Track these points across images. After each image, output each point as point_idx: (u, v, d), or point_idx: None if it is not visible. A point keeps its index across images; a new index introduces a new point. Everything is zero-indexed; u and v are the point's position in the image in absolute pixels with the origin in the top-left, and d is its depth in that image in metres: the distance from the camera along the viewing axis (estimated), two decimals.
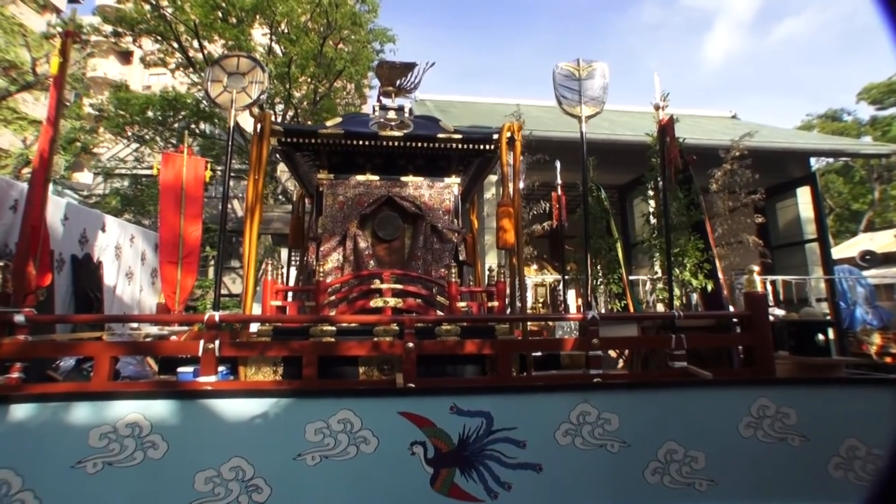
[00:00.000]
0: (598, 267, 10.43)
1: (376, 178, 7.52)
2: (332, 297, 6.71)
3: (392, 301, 6.66)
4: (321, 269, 6.65)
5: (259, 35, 20.48)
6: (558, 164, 11.44)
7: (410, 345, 5.43)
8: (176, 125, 20.07)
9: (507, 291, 7.09)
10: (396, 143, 7.05)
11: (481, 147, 7.23)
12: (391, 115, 7.39)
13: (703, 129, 16.15)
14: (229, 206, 25.21)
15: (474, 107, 17.99)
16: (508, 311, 7.33)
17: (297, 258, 9.57)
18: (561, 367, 7.03)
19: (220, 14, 18.27)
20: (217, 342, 5.21)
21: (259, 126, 6.70)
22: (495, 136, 7.16)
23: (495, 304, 6.83)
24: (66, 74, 5.82)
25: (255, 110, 6.70)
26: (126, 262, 8.83)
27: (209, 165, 11.08)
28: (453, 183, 7.68)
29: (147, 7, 18.65)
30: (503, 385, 5.26)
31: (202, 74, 18.33)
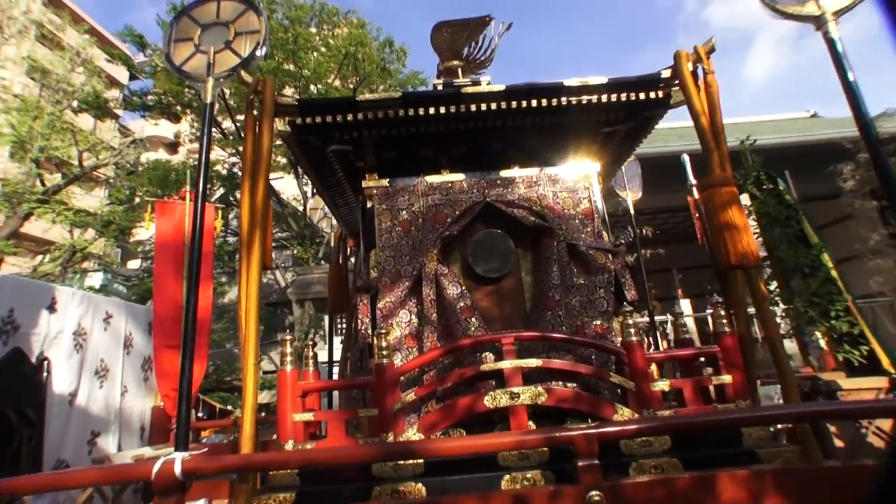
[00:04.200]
0: (793, 293, 6.82)
1: (460, 176, 4.43)
2: (410, 394, 3.49)
3: (525, 393, 3.39)
4: (382, 342, 3.48)
5: (288, 94, 18.89)
6: (686, 158, 8.24)
7: (596, 497, 2.17)
8: (213, 199, 18.34)
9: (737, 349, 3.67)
10: (494, 107, 3.98)
11: (639, 97, 4.05)
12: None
13: (791, 129, 12.65)
14: (270, 275, 23.06)
15: None
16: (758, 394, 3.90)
17: (344, 325, 6.47)
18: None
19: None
20: None
21: (255, 98, 3.79)
22: (664, 74, 4.00)
23: (726, 378, 3.43)
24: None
25: (248, 76, 3.88)
26: (94, 353, 5.95)
27: (220, 213, 8.39)
28: (591, 171, 4.49)
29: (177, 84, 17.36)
30: None
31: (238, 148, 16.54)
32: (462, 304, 3.90)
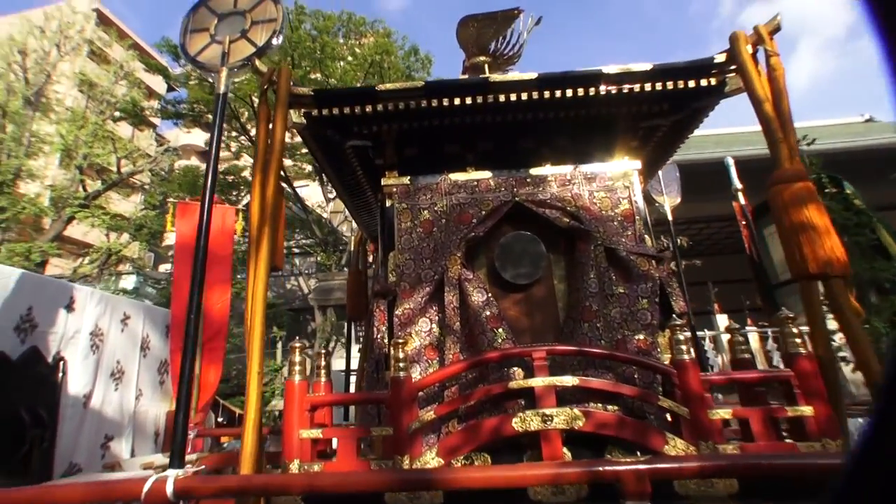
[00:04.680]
0: (870, 310, 6.18)
1: (487, 174, 4.07)
2: (429, 413, 3.12)
3: (559, 415, 2.98)
4: (399, 353, 3.13)
5: None
6: (731, 161, 7.73)
7: None
8: (240, 205, 18.51)
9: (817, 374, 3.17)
10: (524, 97, 3.62)
11: (688, 85, 3.63)
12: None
13: (844, 134, 11.80)
14: (294, 282, 23.02)
15: None
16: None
17: (363, 332, 6.16)
18: None
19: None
20: None
21: (269, 87, 3.53)
22: (717, 59, 3.57)
23: (805, 409, 2.94)
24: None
25: (263, 66, 3.63)
26: (111, 355, 5.76)
27: (241, 215, 8.21)
28: (630, 169, 4.08)
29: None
30: None
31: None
32: (488, 313, 3.53)
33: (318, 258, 18.01)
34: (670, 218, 7.79)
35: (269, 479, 2.83)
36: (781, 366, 9.53)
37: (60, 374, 5.03)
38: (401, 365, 3.14)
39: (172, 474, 2.63)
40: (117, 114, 20.47)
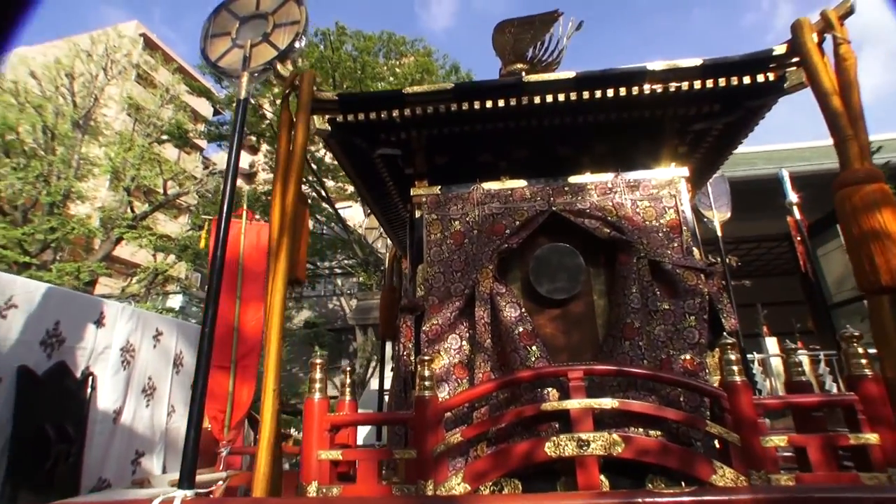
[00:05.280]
0: None
1: (522, 183, 3.86)
2: (456, 435, 2.87)
3: (597, 440, 2.69)
4: (425, 371, 2.91)
5: None
6: (785, 174, 7.37)
7: None
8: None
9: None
10: (562, 99, 3.40)
11: (743, 81, 3.33)
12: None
13: None
14: (336, 302, 23.15)
15: None
16: None
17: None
18: None
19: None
20: None
21: (291, 92, 3.44)
22: (777, 50, 3.27)
23: (870, 437, 2.57)
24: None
25: (283, 69, 3.54)
26: (142, 371, 5.75)
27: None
28: (677, 177, 3.78)
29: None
30: None
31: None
32: (521, 330, 3.28)
33: (360, 278, 18.05)
34: (719, 234, 7.36)
35: (282, 502, 2.64)
36: (834, 390, 8.83)
37: (89, 390, 5.00)
38: (426, 384, 2.92)
39: (180, 495, 2.48)
40: (164, 137, 21.20)
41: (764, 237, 12.27)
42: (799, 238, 6.87)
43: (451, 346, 3.47)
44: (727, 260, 8.69)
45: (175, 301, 26.18)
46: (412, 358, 3.43)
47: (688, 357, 3.23)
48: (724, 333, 3.24)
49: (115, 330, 5.47)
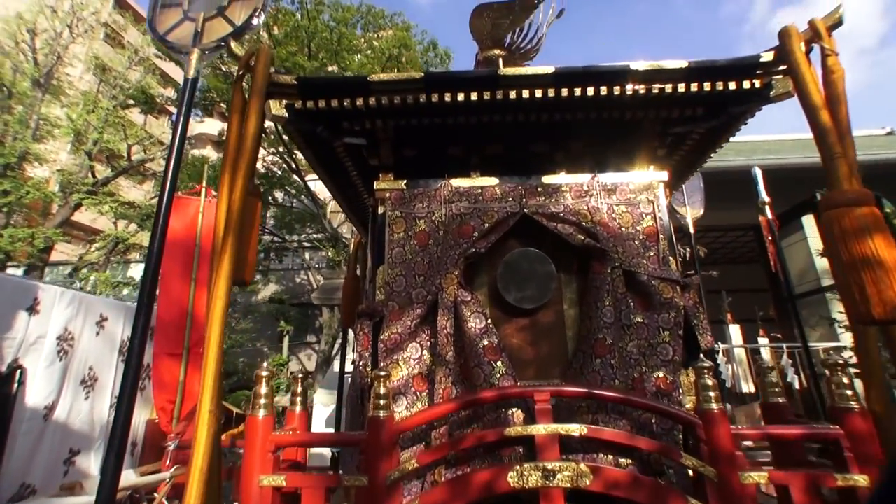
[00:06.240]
0: None
1: (493, 180, 3.60)
2: (412, 462, 2.67)
3: (563, 471, 2.52)
4: (381, 388, 2.69)
5: None
6: (758, 172, 7.31)
7: None
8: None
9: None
10: (539, 95, 3.13)
11: (729, 86, 3.11)
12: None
13: (864, 147, 11.09)
14: (304, 276, 22.72)
15: None
16: None
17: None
18: None
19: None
20: None
21: (245, 73, 3.10)
22: (764, 57, 3.05)
23: (859, 478, 2.45)
24: None
25: (238, 48, 3.18)
26: (82, 361, 5.33)
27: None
28: (655, 181, 3.58)
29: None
30: None
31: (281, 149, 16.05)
32: (486, 343, 3.06)
33: (329, 253, 17.68)
34: (692, 231, 7.29)
35: None
36: (796, 383, 8.95)
37: (16, 385, 4.60)
38: (381, 402, 2.70)
39: None
40: (130, 101, 20.18)
41: (731, 227, 12.39)
42: (770, 238, 6.83)
43: (410, 355, 3.24)
44: (698, 251, 8.66)
45: (137, 270, 25.31)
46: (369, 370, 3.19)
47: (661, 375, 3.08)
48: (700, 354, 3.10)
49: (52, 317, 5.06)
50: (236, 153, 2.97)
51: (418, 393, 3.17)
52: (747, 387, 9.87)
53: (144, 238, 22.16)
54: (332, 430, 6.67)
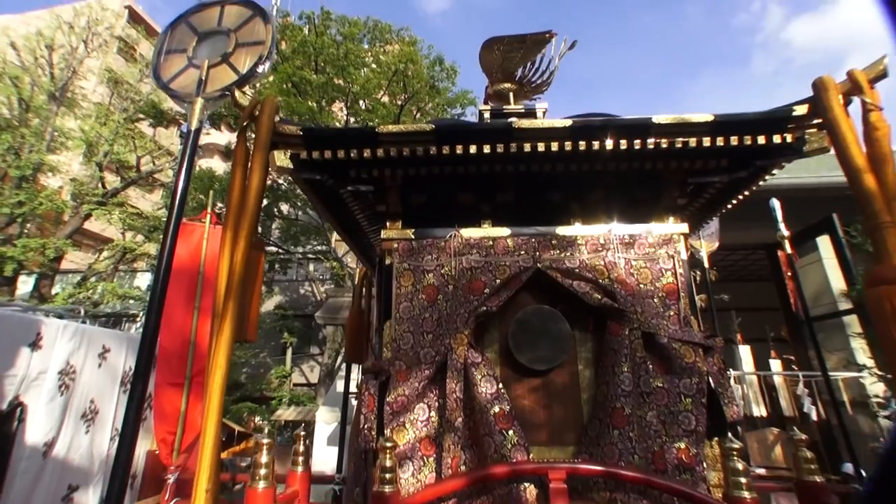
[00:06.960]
0: None
1: (505, 231, 3.46)
2: None
3: None
4: (386, 461, 2.54)
5: (336, 110, 18.62)
6: (777, 205, 7.07)
7: None
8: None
9: None
10: (555, 148, 2.99)
11: (757, 140, 2.95)
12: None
13: None
14: (308, 287, 22.61)
15: None
16: None
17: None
18: None
19: (295, 91, 16.34)
20: None
21: (252, 123, 2.98)
22: (797, 111, 2.89)
23: None
24: None
25: (242, 97, 3.07)
26: (83, 394, 5.22)
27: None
28: (676, 234, 3.42)
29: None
30: None
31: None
32: (497, 410, 2.91)
33: (332, 265, 17.67)
34: (706, 265, 7.11)
35: None
36: (813, 413, 8.67)
37: (16, 423, 4.49)
38: (386, 476, 2.55)
39: None
40: (139, 116, 20.36)
41: (740, 246, 12.19)
42: (790, 274, 6.63)
43: (417, 417, 3.09)
44: (710, 275, 8.46)
45: (143, 280, 25.36)
46: (374, 433, 3.04)
47: (683, 446, 2.90)
48: (726, 424, 2.93)
49: (54, 351, 4.95)
50: (239, 209, 2.85)
51: (425, 458, 3.01)
52: (759, 410, 9.62)
53: (151, 248, 22.25)
54: (334, 448, 6.46)
